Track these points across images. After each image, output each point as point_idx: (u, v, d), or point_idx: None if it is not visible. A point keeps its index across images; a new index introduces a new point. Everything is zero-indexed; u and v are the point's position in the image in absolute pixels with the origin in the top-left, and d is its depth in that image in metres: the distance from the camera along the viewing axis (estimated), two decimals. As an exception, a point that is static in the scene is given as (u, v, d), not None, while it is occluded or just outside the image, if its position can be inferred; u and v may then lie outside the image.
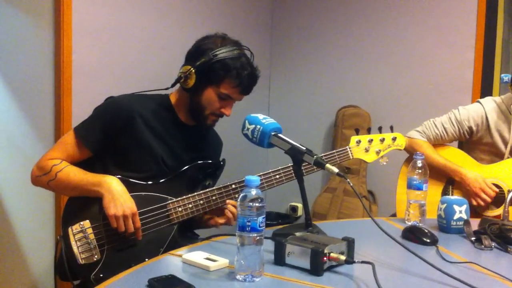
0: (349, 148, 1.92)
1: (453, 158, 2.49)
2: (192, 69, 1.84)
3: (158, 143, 1.89)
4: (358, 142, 1.92)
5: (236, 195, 1.82)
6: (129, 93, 1.94)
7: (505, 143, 2.45)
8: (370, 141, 1.94)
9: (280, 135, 1.63)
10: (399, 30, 3.77)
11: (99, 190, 1.74)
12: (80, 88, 2.78)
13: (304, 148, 1.60)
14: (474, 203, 2.33)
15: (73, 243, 1.72)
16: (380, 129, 1.98)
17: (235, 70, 1.83)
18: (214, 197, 1.83)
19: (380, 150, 1.95)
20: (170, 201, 1.82)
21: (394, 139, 1.98)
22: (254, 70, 1.89)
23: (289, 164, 1.79)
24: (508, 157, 2.44)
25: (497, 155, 2.48)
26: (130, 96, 1.92)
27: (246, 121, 1.67)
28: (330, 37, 4.07)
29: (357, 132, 1.95)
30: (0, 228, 2.64)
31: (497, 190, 2.33)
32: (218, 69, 1.82)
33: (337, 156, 1.90)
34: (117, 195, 1.72)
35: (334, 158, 1.89)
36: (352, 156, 1.92)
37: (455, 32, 3.55)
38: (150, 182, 1.84)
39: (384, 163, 1.95)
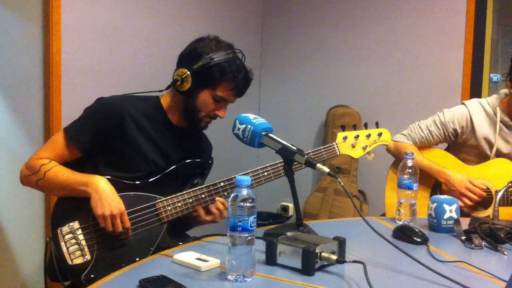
0: (336, 144, 1.92)
1: (439, 159, 2.48)
2: (188, 72, 1.84)
3: (149, 144, 1.88)
4: (345, 138, 1.93)
5: (225, 193, 1.83)
6: (120, 94, 1.94)
7: (490, 145, 2.42)
8: (356, 137, 1.95)
9: (271, 135, 1.63)
10: (389, 30, 3.78)
11: (86, 189, 1.73)
12: (70, 88, 2.76)
13: (295, 148, 1.60)
14: (461, 203, 2.28)
15: (62, 244, 1.71)
16: (366, 126, 1.99)
17: (231, 73, 1.84)
18: (203, 195, 1.83)
19: (366, 146, 1.96)
20: (159, 200, 1.82)
21: (379, 134, 1.98)
22: (248, 73, 1.91)
23: (277, 161, 1.79)
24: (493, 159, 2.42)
25: (483, 158, 2.45)
26: (121, 97, 1.92)
27: (237, 121, 1.66)
28: (321, 37, 4.07)
29: (343, 128, 1.96)
30: (-12, 229, 2.63)
31: (485, 187, 2.32)
32: (215, 72, 1.83)
33: (324, 153, 1.90)
34: (105, 194, 1.71)
35: (322, 155, 1.90)
36: (339, 152, 1.92)
37: (445, 32, 3.56)
38: (138, 182, 1.83)
39: (371, 159, 1.96)
